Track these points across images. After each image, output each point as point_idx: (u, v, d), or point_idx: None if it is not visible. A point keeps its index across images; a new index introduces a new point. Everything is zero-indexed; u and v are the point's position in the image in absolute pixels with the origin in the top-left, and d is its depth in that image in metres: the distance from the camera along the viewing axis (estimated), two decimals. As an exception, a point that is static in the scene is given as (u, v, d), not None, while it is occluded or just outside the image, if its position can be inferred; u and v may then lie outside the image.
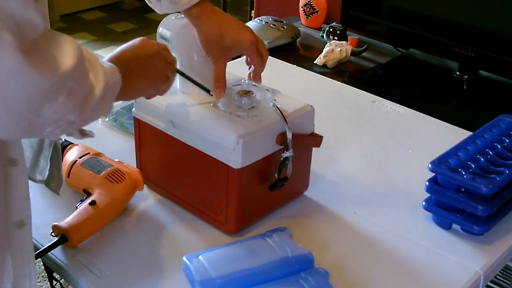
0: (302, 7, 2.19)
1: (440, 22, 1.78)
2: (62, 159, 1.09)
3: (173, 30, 1.03)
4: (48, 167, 0.89)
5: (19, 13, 0.58)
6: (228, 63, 1.01)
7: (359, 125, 1.37)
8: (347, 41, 1.99)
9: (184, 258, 0.90)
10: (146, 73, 0.85)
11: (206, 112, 0.99)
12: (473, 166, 1.03)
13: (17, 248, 0.77)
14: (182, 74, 0.99)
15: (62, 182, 0.93)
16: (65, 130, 0.68)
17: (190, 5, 0.96)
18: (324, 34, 2.08)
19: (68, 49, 0.64)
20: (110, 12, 4.45)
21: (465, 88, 1.80)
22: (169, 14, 1.04)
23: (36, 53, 0.60)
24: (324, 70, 1.86)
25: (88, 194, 1.01)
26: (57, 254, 0.95)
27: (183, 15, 1.01)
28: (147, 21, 4.23)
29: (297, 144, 0.98)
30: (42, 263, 1.01)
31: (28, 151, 0.89)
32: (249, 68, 1.05)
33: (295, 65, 1.67)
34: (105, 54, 3.97)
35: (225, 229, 1.00)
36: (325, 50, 1.90)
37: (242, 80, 1.06)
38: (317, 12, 2.16)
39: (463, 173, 1.01)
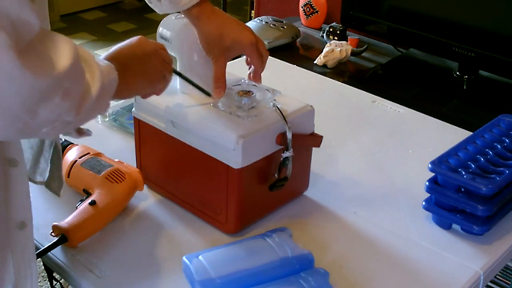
0: (302, 7, 2.19)
1: (440, 22, 1.78)
2: (62, 159, 1.09)
3: (173, 30, 1.03)
4: (49, 168, 0.89)
5: (15, 14, 0.58)
6: (228, 63, 1.01)
7: (359, 125, 1.37)
8: (347, 41, 1.99)
9: (184, 258, 0.90)
10: (143, 71, 0.84)
11: (206, 112, 0.99)
12: (473, 166, 1.03)
13: (18, 249, 0.77)
14: (179, 74, 0.99)
15: (63, 183, 0.93)
16: (61, 130, 0.68)
17: (190, 5, 0.96)
18: (324, 34, 2.08)
19: (63, 50, 0.63)
20: (110, 12, 4.45)
21: (465, 88, 1.80)
22: (169, 14, 1.04)
23: (31, 54, 0.59)
24: (324, 70, 1.86)
25: (88, 194, 1.01)
26: (57, 254, 0.95)
27: (183, 15, 1.01)
28: (147, 21, 4.23)
29: (297, 144, 0.98)
30: (42, 263, 1.01)
31: (28, 152, 0.89)
32: (249, 68, 1.05)
33: (295, 65, 1.67)
34: (105, 54, 3.93)
35: (225, 229, 1.00)
36: (325, 50, 1.90)
37: (242, 80, 1.06)
38: (317, 12, 2.16)
39: (463, 173, 1.01)
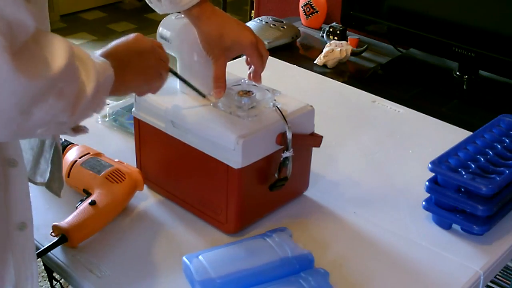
0: (302, 7, 2.19)
1: (440, 22, 1.78)
2: (62, 159, 1.09)
3: (173, 30, 1.03)
4: (49, 169, 0.89)
5: (10, 14, 0.57)
6: (228, 63, 1.01)
7: (359, 125, 1.37)
8: (347, 41, 1.99)
9: (184, 258, 0.90)
10: (140, 69, 0.84)
11: (206, 112, 0.99)
12: (473, 166, 1.03)
13: (18, 250, 0.77)
14: (175, 73, 0.98)
15: (63, 184, 0.93)
16: (57, 130, 0.68)
17: (190, 5, 0.96)
18: (324, 34, 2.08)
19: (58, 50, 0.63)
20: (110, 12, 4.45)
21: (465, 88, 1.80)
22: (169, 14, 1.04)
23: (25, 56, 0.59)
24: (324, 70, 1.86)
25: (88, 194, 1.01)
26: (57, 254, 0.95)
27: (183, 15, 1.01)
28: (147, 21, 4.23)
29: (297, 144, 0.98)
30: (42, 263, 1.01)
31: (29, 153, 0.89)
32: (249, 68, 1.05)
33: (295, 65, 1.67)
34: (105, 54, 3.93)
35: (225, 229, 1.00)
36: (325, 50, 1.90)
37: (242, 80, 1.06)
38: (317, 12, 2.16)
39: (463, 173, 1.01)
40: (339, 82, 1.62)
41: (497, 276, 1.64)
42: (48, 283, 1.10)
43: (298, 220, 1.05)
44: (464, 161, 1.04)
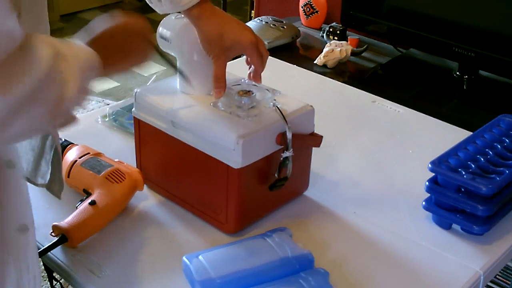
0: (302, 7, 2.19)
1: (440, 22, 1.78)
2: (62, 159, 1.09)
3: (173, 30, 1.03)
4: (50, 170, 0.89)
5: None
6: (228, 63, 1.01)
7: (359, 125, 1.37)
8: (347, 41, 1.99)
9: (184, 258, 0.90)
10: (126, 53, 0.83)
11: (206, 112, 0.99)
12: (473, 166, 1.03)
13: (20, 253, 0.76)
14: (160, 53, 0.96)
15: (63, 186, 0.92)
16: (40, 133, 0.67)
17: (190, 5, 0.95)
18: (324, 34, 2.08)
19: (40, 57, 0.61)
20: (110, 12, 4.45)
21: (465, 88, 1.80)
22: (169, 14, 1.04)
23: (5, 69, 0.58)
24: (324, 70, 1.86)
25: (88, 194, 1.01)
26: (57, 254, 0.95)
27: (183, 15, 1.01)
28: (147, 21, 4.23)
29: (297, 144, 0.98)
30: (42, 263, 1.01)
31: (30, 154, 0.89)
32: (249, 68, 1.05)
33: (295, 65, 1.67)
34: (105, 54, 3.91)
35: (225, 229, 1.00)
36: (325, 50, 1.90)
37: (242, 80, 1.06)
38: (317, 12, 2.17)
39: (463, 173, 1.01)
40: (339, 82, 1.62)
41: (497, 276, 1.64)
42: (48, 283, 1.10)
43: (298, 220, 1.05)
44: (464, 161, 1.04)
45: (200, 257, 0.90)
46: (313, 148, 1.07)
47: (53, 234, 0.95)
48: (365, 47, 1.96)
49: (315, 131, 1.05)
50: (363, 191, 1.14)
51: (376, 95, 1.49)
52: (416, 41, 1.85)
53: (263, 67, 1.03)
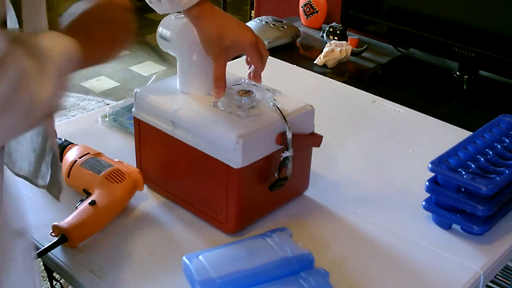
0: (302, 7, 2.19)
1: (440, 22, 1.78)
2: (62, 159, 1.09)
3: (173, 30, 1.03)
4: (49, 172, 0.89)
5: None
6: (228, 63, 1.01)
7: (359, 125, 1.37)
8: (347, 41, 1.99)
9: (184, 258, 0.90)
10: (107, 40, 0.79)
11: (206, 112, 0.99)
12: (473, 166, 1.03)
13: (18, 256, 0.76)
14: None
15: (62, 188, 0.92)
16: (20, 135, 0.65)
17: (190, 5, 0.95)
18: (324, 34, 2.08)
19: (8, 66, 0.58)
20: (110, 12, 4.45)
21: (465, 88, 1.80)
22: (169, 14, 1.04)
23: None
24: (324, 70, 1.86)
25: (88, 194, 1.01)
26: (57, 254, 0.95)
27: (183, 15, 1.01)
28: (147, 21, 4.23)
29: (297, 144, 0.98)
30: (42, 263, 1.01)
31: (32, 156, 0.89)
32: (249, 68, 1.05)
33: (295, 65, 1.67)
34: (105, 54, 3.91)
35: (225, 229, 1.00)
36: (325, 50, 1.90)
37: (242, 80, 1.06)
38: (317, 12, 2.17)
39: (463, 173, 1.01)
40: (339, 82, 1.62)
41: (497, 276, 1.64)
42: (48, 283, 1.10)
43: (298, 220, 1.05)
44: (464, 161, 1.04)
45: (200, 257, 0.90)
46: (313, 148, 1.07)
47: (53, 234, 0.95)
48: (365, 47, 1.96)
49: (315, 131, 1.05)
50: (363, 191, 1.14)
51: (376, 95, 1.49)
52: (416, 41, 1.85)
53: (263, 67, 1.03)
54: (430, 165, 1.03)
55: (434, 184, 1.03)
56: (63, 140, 1.14)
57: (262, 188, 1.00)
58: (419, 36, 1.82)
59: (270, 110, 0.99)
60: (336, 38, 2.03)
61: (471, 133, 1.16)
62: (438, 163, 1.03)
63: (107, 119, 1.32)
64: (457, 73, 1.82)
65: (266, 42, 1.90)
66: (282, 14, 2.29)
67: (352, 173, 1.19)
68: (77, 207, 0.98)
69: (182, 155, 1.02)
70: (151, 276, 0.92)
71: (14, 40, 0.60)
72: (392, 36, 1.94)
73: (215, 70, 1.00)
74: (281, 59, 1.68)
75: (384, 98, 1.48)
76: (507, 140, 1.11)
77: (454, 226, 1.04)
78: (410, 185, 1.14)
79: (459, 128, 1.35)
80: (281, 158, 0.97)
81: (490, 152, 1.07)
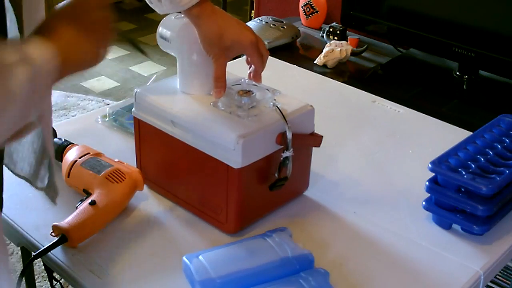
0: (302, 7, 2.19)
1: (440, 22, 1.78)
2: (62, 159, 1.09)
3: (173, 30, 1.03)
4: (47, 175, 0.89)
5: None
6: (228, 63, 1.01)
7: (359, 125, 1.37)
8: (347, 41, 1.99)
9: (184, 258, 0.90)
10: (88, 44, 0.74)
11: (206, 112, 0.99)
12: (473, 166, 1.03)
13: None
14: (126, 38, 0.90)
15: (58, 192, 0.92)
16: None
17: (190, 4, 0.95)
18: (324, 34, 2.08)
19: None
20: (110, 12, 4.45)
21: (465, 88, 1.80)
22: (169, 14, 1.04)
23: None
24: (324, 70, 1.86)
25: (88, 194, 1.01)
26: (57, 254, 0.95)
27: (183, 15, 1.01)
28: (147, 21, 4.23)
29: (297, 144, 0.98)
30: (42, 263, 1.01)
31: (32, 157, 0.88)
32: (249, 68, 1.05)
33: (295, 65, 1.67)
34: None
35: (225, 229, 1.00)
36: (325, 50, 1.90)
37: (242, 80, 1.06)
38: (317, 12, 2.17)
39: (463, 173, 1.01)
40: (339, 82, 1.62)
41: (497, 276, 1.64)
42: (48, 283, 1.10)
43: (298, 220, 1.05)
44: (464, 161, 1.04)
45: (200, 257, 0.90)
46: (313, 148, 1.07)
47: (53, 234, 0.95)
48: (365, 47, 1.96)
49: (315, 131, 1.05)
50: (363, 191, 1.14)
51: (376, 95, 1.49)
52: (416, 41, 1.85)
53: (263, 67, 1.03)
54: (430, 165, 1.03)
55: (434, 184, 1.03)
56: (63, 140, 1.14)
57: (262, 188, 1.00)
58: (419, 36, 1.82)
59: (270, 110, 0.99)
60: (336, 38, 2.03)
61: (471, 133, 1.16)
62: (438, 163, 1.03)
63: (107, 119, 1.32)
64: (457, 73, 1.82)
65: (266, 42, 1.90)
66: (282, 14, 2.29)
67: (352, 173, 1.19)
68: (77, 207, 0.98)
69: (182, 155, 1.02)
70: (151, 276, 0.92)
71: None
72: (392, 36, 1.94)
73: (215, 70, 1.00)
74: (281, 59, 1.68)
75: (384, 98, 1.48)
76: (507, 140, 1.11)
77: (454, 226, 1.04)
78: (410, 185, 1.14)
79: (459, 128, 1.35)
80: (281, 158, 0.97)
81: (490, 152, 1.07)
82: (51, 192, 0.90)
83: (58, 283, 1.03)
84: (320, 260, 0.93)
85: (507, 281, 1.64)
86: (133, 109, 1.07)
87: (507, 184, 1.01)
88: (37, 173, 0.89)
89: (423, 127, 1.37)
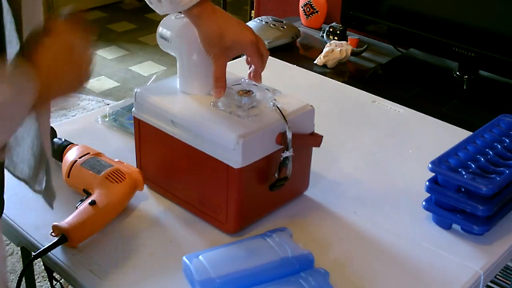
0: (302, 7, 2.19)
1: (440, 22, 1.78)
2: (62, 159, 1.09)
3: (173, 30, 1.03)
4: (45, 179, 0.89)
5: None
6: (228, 62, 1.01)
7: (359, 125, 1.37)
8: (347, 41, 1.99)
9: (184, 258, 0.90)
10: (67, 83, 0.74)
11: (206, 112, 0.99)
12: (473, 166, 1.03)
13: None
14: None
15: (55, 197, 0.91)
16: None
17: (190, 4, 0.95)
18: (324, 34, 2.08)
19: None
20: (110, 12, 4.45)
21: (465, 88, 1.80)
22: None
23: None
24: (324, 70, 1.86)
25: (88, 194, 1.01)
26: (57, 254, 0.95)
27: (183, 15, 1.01)
28: (147, 21, 4.23)
29: (297, 144, 0.98)
30: (42, 263, 1.01)
31: (32, 160, 0.88)
32: (249, 68, 1.05)
33: (295, 65, 1.67)
34: (105, 54, 3.93)
35: (225, 229, 1.00)
36: (325, 50, 1.90)
37: (242, 80, 1.06)
38: (317, 12, 2.17)
39: (463, 173, 1.01)
40: (339, 82, 1.62)
41: (497, 276, 1.64)
42: (48, 283, 1.10)
43: (298, 220, 1.05)
44: (464, 161, 1.04)
45: (200, 257, 0.90)
46: (313, 148, 1.07)
47: (53, 234, 0.95)
48: (365, 47, 1.96)
49: (315, 131, 1.05)
50: (363, 191, 1.14)
51: (376, 95, 1.49)
52: (416, 41, 1.85)
53: (263, 67, 1.03)
54: (430, 165, 1.03)
55: (434, 184, 1.03)
56: (63, 140, 1.14)
57: (262, 188, 1.00)
58: (419, 36, 1.82)
59: (270, 110, 0.99)
60: (336, 38, 2.03)
61: (471, 133, 1.16)
62: (438, 163, 1.03)
63: (107, 119, 1.32)
64: (457, 73, 1.82)
65: (266, 42, 1.90)
66: (282, 14, 2.29)
67: (352, 173, 1.19)
68: (77, 207, 0.98)
69: (182, 155, 1.02)
70: (151, 276, 0.92)
71: None
72: (392, 36, 1.94)
73: (215, 70, 1.00)
74: (281, 59, 1.68)
75: (384, 98, 1.48)
76: (507, 140, 1.11)
77: (454, 226, 1.04)
78: (410, 185, 1.14)
79: (459, 128, 1.35)
80: (281, 158, 0.97)
81: (490, 152, 1.07)
82: (48, 196, 0.90)
83: (58, 283, 1.03)
84: (320, 260, 0.93)
85: (507, 281, 1.65)
86: (133, 109, 1.07)
87: (507, 184, 1.01)
88: (36, 176, 0.89)
89: (423, 127, 1.37)
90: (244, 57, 1.03)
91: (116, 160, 1.07)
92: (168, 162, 1.07)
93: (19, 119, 0.68)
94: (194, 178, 1.02)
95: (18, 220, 1.02)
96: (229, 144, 0.93)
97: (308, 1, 2.17)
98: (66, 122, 1.63)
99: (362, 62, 1.95)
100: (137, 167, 1.10)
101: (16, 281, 0.94)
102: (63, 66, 0.73)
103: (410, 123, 1.38)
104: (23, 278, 0.95)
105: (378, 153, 1.26)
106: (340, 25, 2.04)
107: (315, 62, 1.90)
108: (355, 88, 1.54)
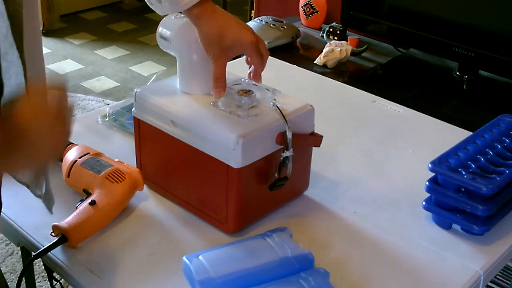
0: (302, 7, 2.19)
1: (440, 22, 1.78)
2: (62, 159, 1.09)
3: (173, 30, 1.03)
4: (45, 183, 0.89)
5: None
6: (228, 62, 1.01)
7: (359, 125, 1.37)
8: (347, 41, 1.99)
9: (184, 258, 0.90)
10: (34, 153, 0.69)
11: (206, 112, 0.99)
12: (473, 166, 1.03)
13: None
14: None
15: (54, 202, 0.91)
16: None
17: (191, 4, 0.95)
18: (324, 34, 2.08)
19: None
20: (110, 12, 4.46)
21: (465, 88, 1.80)
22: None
23: None
24: (324, 70, 1.86)
25: (88, 194, 1.01)
26: (57, 254, 0.95)
27: (183, 15, 1.01)
28: (147, 21, 4.24)
29: (297, 144, 0.98)
30: (42, 263, 1.01)
31: None
32: (249, 68, 1.04)
33: (295, 65, 1.67)
34: (105, 54, 3.94)
35: (225, 229, 1.00)
36: (325, 50, 1.90)
37: (242, 80, 1.06)
38: (317, 12, 2.17)
39: (463, 173, 1.01)
40: (339, 82, 1.62)
41: (497, 276, 1.64)
42: (48, 283, 1.10)
43: (298, 220, 1.05)
44: (464, 161, 1.04)
45: (200, 257, 0.90)
46: (313, 148, 1.07)
47: (53, 234, 0.95)
48: (365, 47, 1.96)
49: (315, 131, 1.05)
50: (363, 191, 1.14)
51: (376, 95, 1.49)
52: (416, 41, 1.85)
53: (263, 66, 1.03)
54: (430, 165, 1.03)
55: (434, 184, 1.03)
56: (63, 140, 1.14)
57: (262, 188, 1.00)
58: (419, 36, 1.82)
59: (270, 110, 0.99)
60: (336, 38, 2.03)
61: (471, 133, 1.16)
62: (438, 163, 1.03)
63: (107, 119, 1.32)
64: (457, 73, 1.82)
65: (266, 42, 1.90)
66: (282, 14, 2.29)
67: (352, 173, 1.19)
68: (77, 207, 0.98)
69: (182, 155, 1.02)
70: (151, 276, 0.92)
71: None
72: (392, 36, 1.94)
73: (215, 70, 1.00)
74: (281, 59, 1.68)
75: (384, 98, 1.48)
76: (507, 140, 1.11)
77: (454, 226, 1.04)
78: (410, 185, 1.14)
79: (459, 128, 1.35)
80: (281, 158, 0.97)
81: (490, 152, 1.07)
82: (47, 200, 0.90)
83: (58, 283, 1.03)
84: (320, 260, 0.93)
85: (507, 281, 1.65)
86: (133, 109, 1.07)
87: (507, 184, 1.01)
88: (37, 181, 0.89)
89: (423, 127, 1.37)
90: (244, 57, 1.03)
91: (116, 160, 1.07)
92: (168, 162, 1.07)
93: None
94: (194, 178, 1.02)
95: (18, 220, 1.02)
96: (229, 144, 0.93)
97: (308, 1, 2.17)
98: (66, 122, 1.62)
99: (362, 62, 1.95)
100: (137, 167, 1.10)
101: (16, 281, 0.94)
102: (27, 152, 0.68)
103: (410, 123, 1.38)
104: (23, 278, 0.95)
105: (378, 153, 1.26)
106: (340, 25, 2.04)
107: (315, 62, 1.90)
108: (355, 88, 1.54)
